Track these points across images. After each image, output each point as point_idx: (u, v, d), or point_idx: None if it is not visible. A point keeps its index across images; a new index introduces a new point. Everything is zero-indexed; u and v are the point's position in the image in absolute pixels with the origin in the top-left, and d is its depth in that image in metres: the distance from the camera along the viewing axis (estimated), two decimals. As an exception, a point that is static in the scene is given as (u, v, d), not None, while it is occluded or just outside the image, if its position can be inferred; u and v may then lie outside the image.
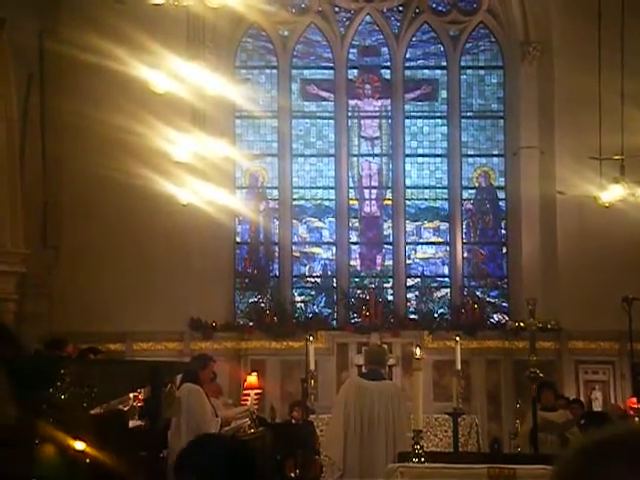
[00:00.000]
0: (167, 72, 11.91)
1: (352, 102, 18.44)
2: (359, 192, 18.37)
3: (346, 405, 10.70)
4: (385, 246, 18.25)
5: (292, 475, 12.23)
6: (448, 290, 18.05)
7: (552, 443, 11.88)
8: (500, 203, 18.27)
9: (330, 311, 17.96)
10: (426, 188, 18.34)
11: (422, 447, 10.18)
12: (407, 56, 18.51)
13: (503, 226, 18.21)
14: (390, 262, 18.12)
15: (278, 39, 18.39)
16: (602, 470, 1.13)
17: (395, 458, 10.31)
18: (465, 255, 18.12)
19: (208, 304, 16.87)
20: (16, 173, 15.11)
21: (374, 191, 18.39)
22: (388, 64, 18.56)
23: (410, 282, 18.10)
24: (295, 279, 18.09)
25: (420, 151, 18.39)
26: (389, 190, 18.30)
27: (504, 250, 18.16)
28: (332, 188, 18.25)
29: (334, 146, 18.25)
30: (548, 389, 12.90)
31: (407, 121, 18.37)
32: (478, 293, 17.95)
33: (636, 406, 13.20)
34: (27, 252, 15.14)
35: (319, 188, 18.32)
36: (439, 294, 18.10)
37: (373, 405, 10.61)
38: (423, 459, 10.22)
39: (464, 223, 18.21)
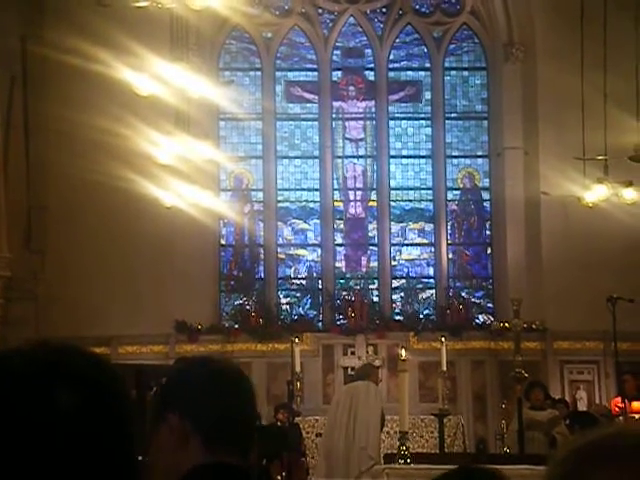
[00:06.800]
0: (151, 74, 11.90)
1: (336, 104, 18.44)
2: (344, 194, 18.37)
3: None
4: (370, 247, 18.25)
5: (279, 478, 12.22)
6: (433, 291, 18.06)
7: (539, 442, 11.93)
8: (485, 204, 18.30)
9: (315, 313, 17.95)
10: (411, 189, 18.35)
11: (408, 448, 10.22)
12: (391, 58, 18.52)
13: (488, 227, 18.23)
14: (375, 263, 18.12)
15: (261, 41, 18.38)
16: (594, 472, 1.13)
17: (357, 452, 10.47)
18: (450, 256, 18.14)
19: (193, 307, 16.84)
20: (-1, 177, 15.07)
21: (359, 193, 18.39)
22: (372, 66, 18.57)
23: (395, 283, 18.11)
24: (280, 281, 18.07)
25: (404, 152, 18.39)
26: (374, 191, 18.30)
27: (489, 251, 18.19)
28: (317, 190, 18.24)
29: (318, 148, 18.24)
30: (538, 388, 12.94)
31: (391, 122, 18.38)
32: (463, 294, 17.96)
33: (621, 405, 13.24)
34: (11, 256, 15.09)
35: (304, 190, 18.31)
36: (424, 295, 18.11)
37: (338, 405, 10.71)
38: (409, 460, 10.26)
39: (449, 224, 18.22)
